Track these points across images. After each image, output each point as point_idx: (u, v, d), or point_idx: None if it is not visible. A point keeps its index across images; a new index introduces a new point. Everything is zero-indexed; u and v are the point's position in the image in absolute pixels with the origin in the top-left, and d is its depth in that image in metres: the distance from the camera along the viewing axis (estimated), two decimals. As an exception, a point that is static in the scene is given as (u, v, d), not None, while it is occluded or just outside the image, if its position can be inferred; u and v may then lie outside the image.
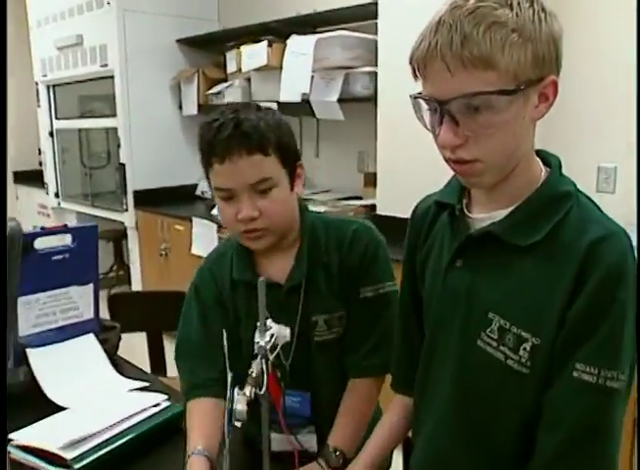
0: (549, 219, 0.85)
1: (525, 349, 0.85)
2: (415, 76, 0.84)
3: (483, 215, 0.91)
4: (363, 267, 1.23)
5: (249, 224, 1.13)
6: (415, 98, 0.85)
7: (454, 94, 0.78)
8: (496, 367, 0.88)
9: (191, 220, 3.53)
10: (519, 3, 0.77)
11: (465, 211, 0.95)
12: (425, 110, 0.85)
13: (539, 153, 0.91)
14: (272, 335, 0.84)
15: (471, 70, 0.76)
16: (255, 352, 0.85)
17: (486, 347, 0.89)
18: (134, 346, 2.01)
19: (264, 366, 0.84)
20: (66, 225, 1.56)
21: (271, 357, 0.84)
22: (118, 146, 4.01)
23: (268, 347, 0.83)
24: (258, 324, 0.85)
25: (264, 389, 0.83)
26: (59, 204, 4.93)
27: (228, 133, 1.08)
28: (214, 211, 3.52)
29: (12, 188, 5.60)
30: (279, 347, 0.84)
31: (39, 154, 5.02)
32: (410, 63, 0.83)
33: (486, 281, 0.90)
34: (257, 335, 0.85)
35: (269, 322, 0.86)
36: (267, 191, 1.12)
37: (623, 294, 0.79)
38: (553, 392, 0.84)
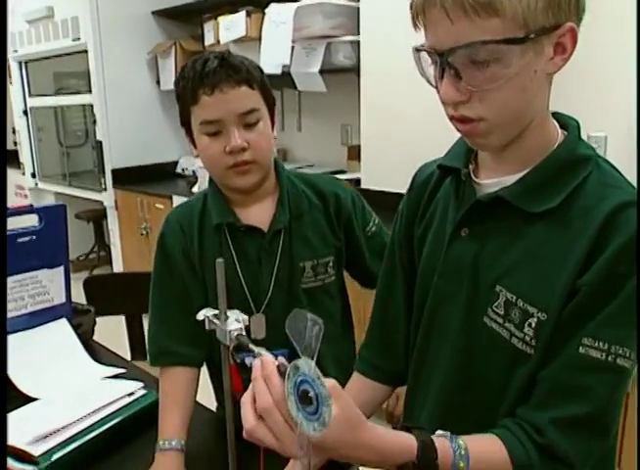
0: (566, 184, 0.77)
1: (530, 325, 0.77)
2: (415, 26, 0.75)
3: (492, 181, 0.83)
4: (359, 215, 1.26)
5: (238, 156, 1.10)
6: (417, 50, 0.76)
7: (454, 44, 0.69)
8: (501, 347, 0.80)
9: (171, 198, 3.44)
10: None
11: (472, 176, 0.86)
12: (429, 63, 0.76)
13: (555, 114, 0.83)
14: (235, 320, 0.77)
15: (473, 17, 0.67)
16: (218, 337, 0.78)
17: (492, 323, 0.81)
18: (114, 330, 1.94)
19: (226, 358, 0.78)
20: (31, 205, 1.47)
21: (231, 347, 0.77)
22: (94, 123, 3.89)
23: (233, 336, 0.75)
24: (217, 312, 0.78)
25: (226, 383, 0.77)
26: (36, 184, 4.81)
27: (216, 65, 1.08)
28: (195, 189, 3.43)
29: (-13, 169, 5.46)
30: (242, 331, 0.76)
31: (13, 133, 4.88)
32: (410, 10, 0.75)
33: (494, 251, 0.81)
34: (217, 323, 0.78)
35: (229, 312, 0.78)
36: (254, 124, 1.11)
37: None
38: (552, 369, 0.75)
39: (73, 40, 3.82)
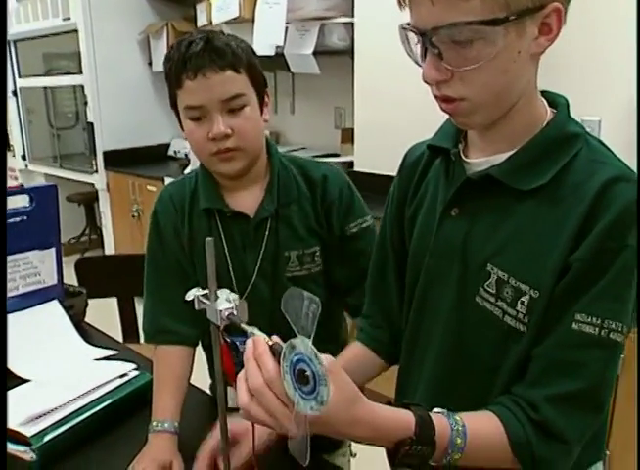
0: (555, 162, 0.77)
1: (522, 302, 0.77)
2: (400, 5, 0.75)
3: (481, 160, 0.83)
4: (342, 208, 1.20)
5: (221, 143, 1.07)
6: (404, 29, 0.76)
7: (435, 24, 0.69)
8: (494, 326, 0.80)
9: (163, 181, 3.42)
10: None
11: (461, 155, 0.86)
12: (415, 42, 0.76)
13: (544, 93, 0.83)
14: (226, 300, 0.76)
15: None
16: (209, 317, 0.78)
17: (484, 303, 0.81)
18: (106, 312, 1.93)
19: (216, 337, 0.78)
20: (22, 185, 1.45)
21: (222, 327, 0.76)
22: (85, 104, 3.85)
23: (224, 315, 0.75)
24: (207, 291, 0.77)
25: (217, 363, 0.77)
26: (26, 166, 4.77)
27: (200, 48, 1.04)
28: (187, 171, 3.41)
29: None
30: (234, 310, 0.76)
31: (3, 114, 4.82)
32: None
33: (484, 230, 0.82)
34: (207, 302, 0.77)
35: (218, 291, 0.78)
36: (239, 110, 1.08)
37: (635, 240, 0.72)
38: (545, 345, 0.76)
39: (64, 20, 3.77)
